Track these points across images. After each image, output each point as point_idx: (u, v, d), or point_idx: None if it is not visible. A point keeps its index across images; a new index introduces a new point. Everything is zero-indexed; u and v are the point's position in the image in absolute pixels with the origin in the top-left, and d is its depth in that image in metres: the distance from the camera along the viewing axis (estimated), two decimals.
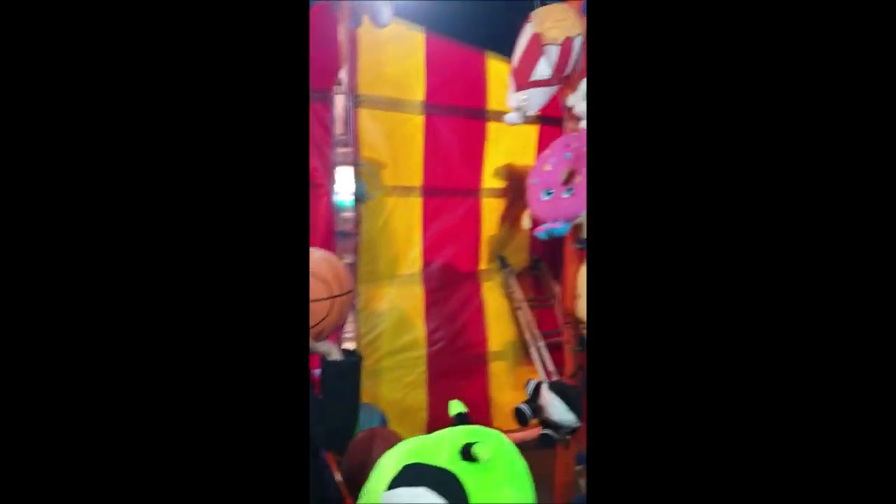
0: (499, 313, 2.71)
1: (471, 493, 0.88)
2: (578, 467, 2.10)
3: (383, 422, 2.09)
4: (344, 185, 2.12)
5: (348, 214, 2.13)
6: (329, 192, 2.12)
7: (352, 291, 1.35)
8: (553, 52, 1.83)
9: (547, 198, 1.84)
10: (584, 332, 1.97)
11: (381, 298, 2.40)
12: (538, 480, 1.01)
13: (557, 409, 1.91)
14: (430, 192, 2.49)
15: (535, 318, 2.61)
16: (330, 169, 2.11)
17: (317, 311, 1.21)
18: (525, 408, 1.99)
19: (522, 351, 2.66)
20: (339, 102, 2.09)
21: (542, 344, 2.50)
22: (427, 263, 2.52)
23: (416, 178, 2.45)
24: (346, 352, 1.29)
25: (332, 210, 2.13)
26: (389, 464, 0.96)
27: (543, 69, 1.85)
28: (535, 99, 1.91)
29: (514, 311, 2.70)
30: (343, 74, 2.10)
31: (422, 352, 2.49)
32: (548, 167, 1.89)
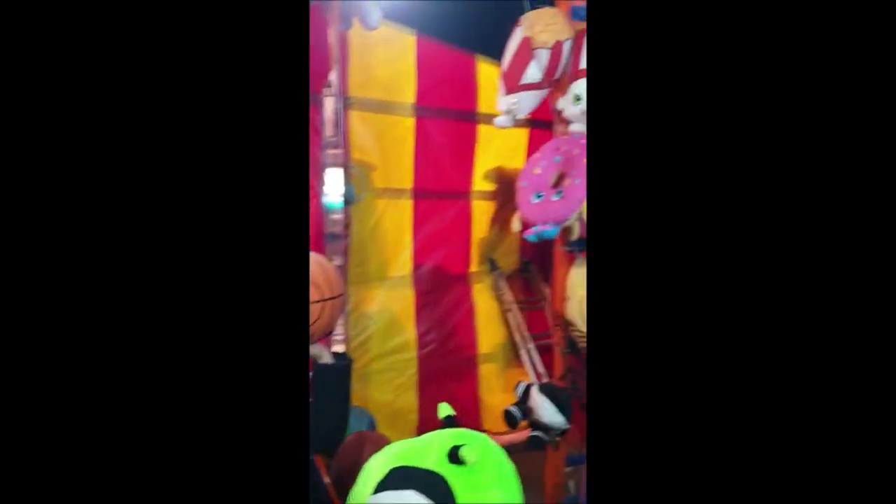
0: (489, 315, 2.72)
1: (458, 496, 0.89)
2: (568, 469, 2.10)
3: (372, 425, 2.09)
4: (333, 186, 2.11)
5: (337, 216, 2.12)
6: (318, 193, 2.12)
7: (342, 295, 1.35)
8: (543, 56, 1.84)
9: (537, 200, 1.85)
10: (573, 334, 1.98)
11: (371, 301, 2.40)
12: (528, 482, 1.02)
13: (547, 411, 1.92)
14: (421, 194, 2.49)
15: (525, 321, 2.61)
16: (319, 171, 2.11)
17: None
18: (515, 410, 1.99)
19: (512, 353, 2.67)
20: (329, 104, 2.09)
21: (531, 346, 2.50)
22: (417, 266, 2.52)
23: (407, 180, 2.45)
24: (336, 355, 1.29)
25: (322, 212, 2.13)
26: (377, 467, 0.96)
27: (533, 73, 1.87)
28: (525, 102, 1.92)
29: (504, 313, 2.71)
30: (333, 76, 2.10)
31: (412, 354, 2.49)
32: (537, 170, 1.90)
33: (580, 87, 1.85)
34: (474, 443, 0.96)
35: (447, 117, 2.51)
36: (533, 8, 1.90)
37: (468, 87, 2.54)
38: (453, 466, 0.91)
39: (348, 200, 2.16)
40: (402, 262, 2.49)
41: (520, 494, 0.97)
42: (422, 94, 2.40)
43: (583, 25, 1.89)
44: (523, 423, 2.02)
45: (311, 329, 1.23)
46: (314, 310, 1.22)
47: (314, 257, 1.32)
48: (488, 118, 2.32)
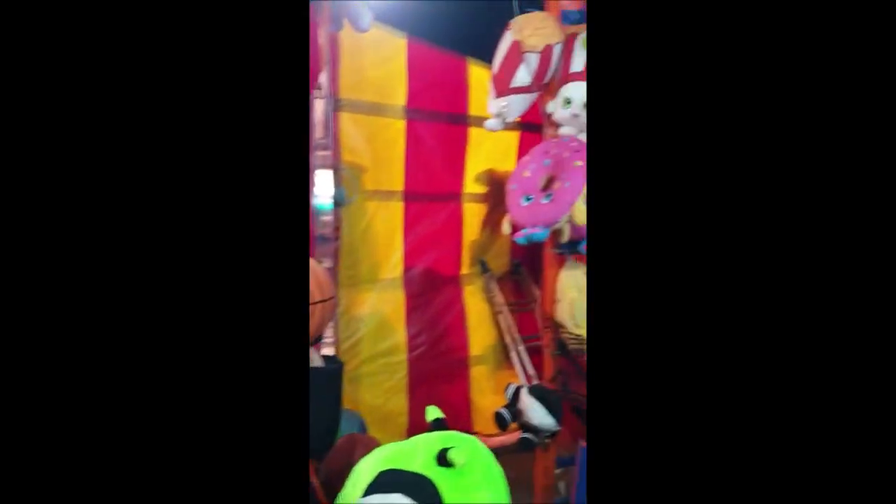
0: (480, 318, 2.72)
1: (446, 498, 0.89)
2: (558, 471, 2.11)
3: (362, 428, 2.08)
4: (323, 189, 2.11)
5: (327, 218, 2.12)
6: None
7: (333, 297, 1.35)
8: (533, 60, 1.85)
9: (526, 203, 1.86)
10: (563, 335, 1.99)
11: (361, 303, 2.39)
12: (518, 484, 1.02)
13: (537, 413, 1.93)
14: (412, 196, 2.49)
15: (516, 323, 2.62)
16: (310, 172, 2.10)
17: None
18: (505, 412, 2.00)
19: (503, 355, 2.67)
20: (319, 106, 2.09)
21: (522, 348, 2.51)
22: (408, 268, 2.52)
23: (398, 182, 2.45)
24: (327, 358, 1.29)
25: (312, 214, 2.13)
26: (365, 469, 0.96)
27: (523, 76, 1.87)
28: (516, 105, 1.93)
29: (495, 315, 2.71)
30: (323, 78, 2.10)
31: (403, 357, 2.49)
32: (527, 173, 1.91)
33: (570, 90, 1.86)
34: (462, 445, 0.96)
35: (438, 120, 2.51)
36: (522, 12, 1.91)
37: (459, 90, 2.54)
38: (441, 469, 0.92)
39: (338, 202, 2.15)
40: (393, 264, 2.49)
41: (507, 496, 0.98)
42: (413, 96, 2.40)
43: (572, 29, 1.90)
44: (513, 426, 2.03)
45: None
46: None
47: None
48: (479, 121, 2.33)
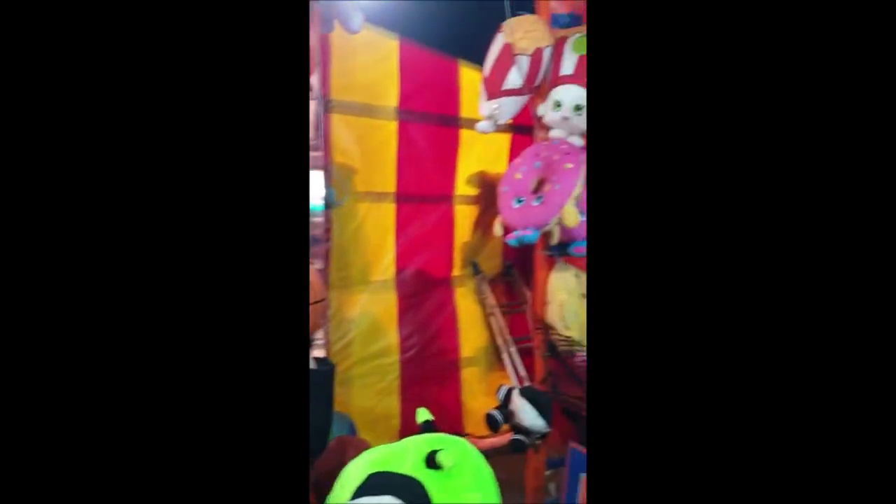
0: (471, 319, 2.72)
1: (435, 500, 0.89)
2: (549, 472, 2.12)
3: (352, 430, 2.08)
4: (314, 190, 2.10)
5: (318, 220, 2.11)
6: None
7: (325, 300, 1.35)
8: (524, 63, 1.86)
9: (517, 205, 1.87)
10: (553, 337, 2.00)
11: (353, 305, 2.39)
12: (509, 485, 1.02)
13: (528, 415, 1.93)
14: (403, 198, 2.48)
15: (507, 324, 2.63)
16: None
17: None
18: (496, 414, 2.00)
19: (495, 357, 2.68)
20: (310, 108, 2.08)
21: (513, 349, 2.51)
22: (400, 270, 2.52)
23: (389, 184, 2.45)
24: (319, 360, 1.28)
25: None
26: (355, 472, 0.96)
27: (514, 79, 1.88)
28: (507, 108, 1.94)
29: (486, 317, 2.71)
30: (314, 80, 2.09)
31: (394, 358, 2.48)
32: (518, 175, 1.92)
33: (560, 93, 1.87)
34: (451, 447, 0.96)
35: (430, 121, 2.51)
36: (514, 15, 1.92)
37: (451, 92, 2.54)
38: (430, 471, 0.92)
39: (329, 204, 2.15)
40: (385, 266, 2.48)
41: (498, 498, 0.98)
42: (404, 97, 2.40)
43: (562, 33, 1.91)
44: (505, 427, 2.03)
45: None
46: None
47: None
48: (470, 123, 2.33)
